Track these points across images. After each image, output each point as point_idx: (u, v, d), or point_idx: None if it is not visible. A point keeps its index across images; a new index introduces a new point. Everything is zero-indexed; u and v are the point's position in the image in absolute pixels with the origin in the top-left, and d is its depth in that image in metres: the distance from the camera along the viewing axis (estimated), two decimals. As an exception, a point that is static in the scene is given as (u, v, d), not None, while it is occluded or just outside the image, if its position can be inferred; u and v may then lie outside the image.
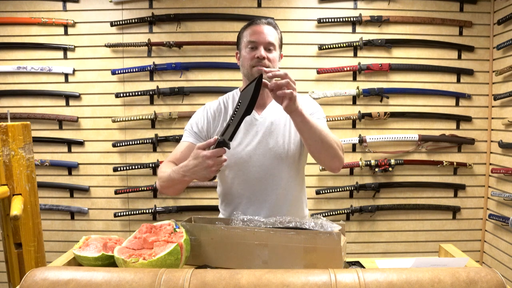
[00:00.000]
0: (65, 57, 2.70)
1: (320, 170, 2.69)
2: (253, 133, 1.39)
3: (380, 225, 2.78)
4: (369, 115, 2.69)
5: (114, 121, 2.66)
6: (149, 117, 2.66)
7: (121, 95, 2.66)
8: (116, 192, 2.70)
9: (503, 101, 2.60)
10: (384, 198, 2.77)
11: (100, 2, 2.67)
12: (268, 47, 1.33)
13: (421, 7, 2.68)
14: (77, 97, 2.71)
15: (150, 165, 2.69)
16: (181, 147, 1.39)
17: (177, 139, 2.65)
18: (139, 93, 2.66)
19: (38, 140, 2.68)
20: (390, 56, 2.70)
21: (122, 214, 2.71)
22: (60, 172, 2.76)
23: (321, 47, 2.66)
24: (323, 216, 1.40)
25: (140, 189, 2.71)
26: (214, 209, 2.68)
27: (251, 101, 1.11)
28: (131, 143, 2.69)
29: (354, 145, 2.74)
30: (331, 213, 2.70)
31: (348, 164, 2.69)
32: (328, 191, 2.70)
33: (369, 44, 2.66)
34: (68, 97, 2.71)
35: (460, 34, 2.70)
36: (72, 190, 2.77)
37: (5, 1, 2.67)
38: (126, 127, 2.73)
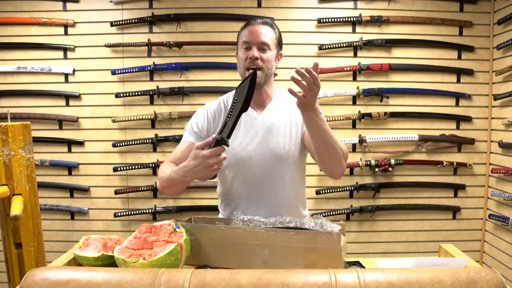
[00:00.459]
0: (65, 57, 2.70)
1: (320, 170, 2.69)
2: (253, 133, 1.39)
3: (380, 225, 2.78)
4: (369, 115, 2.69)
5: (114, 121, 2.66)
6: (149, 117, 2.66)
7: (121, 95, 2.66)
8: (116, 192, 2.70)
9: (503, 101, 2.60)
10: (384, 198, 2.77)
11: (100, 2, 2.67)
12: (262, 47, 1.32)
13: (421, 7, 2.68)
14: (77, 97, 2.71)
15: (150, 165, 2.68)
16: (181, 147, 1.39)
17: (177, 139, 2.65)
18: (139, 93, 2.66)
19: (38, 140, 2.68)
20: (390, 56, 2.70)
21: (122, 214, 2.71)
22: (60, 172, 2.76)
23: (321, 47, 2.66)
24: (323, 216, 1.41)
25: (140, 189, 2.71)
26: (214, 209, 2.68)
27: (246, 97, 1.11)
28: (131, 143, 2.69)
29: (354, 145, 2.74)
30: (331, 213, 2.70)
31: (348, 164, 2.69)
32: (328, 191, 2.70)
33: (369, 44, 2.66)
34: (68, 97, 2.71)
35: (460, 34, 2.70)
36: (72, 190, 2.77)
37: (5, 1, 2.67)
38: (126, 127, 2.73)
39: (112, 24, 2.64)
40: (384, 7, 2.68)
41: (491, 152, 2.73)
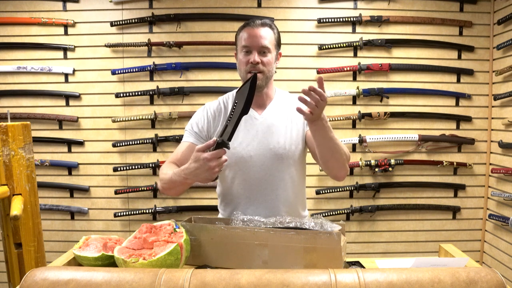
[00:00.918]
0: (65, 57, 2.70)
1: (320, 170, 2.69)
2: (253, 133, 1.39)
3: (380, 225, 2.78)
4: (369, 115, 2.69)
5: (114, 121, 2.66)
6: (149, 117, 2.66)
7: (121, 95, 2.66)
8: (116, 192, 2.70)
9: (503, 101, 2.60)
10: (384, 198, 2.77)
11: (100, 2, 2.67)
12: (262, 50, 1.33)
13: (421, 7, 2.68)
14: (77, 97, 2.71)
15: (150, 165, 2.68)
16: (182, 148, 1.39)
17: (177, 139, 2.65)
18: (139, 93, 2.66)
19: (38, 140, 2.68)
20: (390, 56, 2.70)
21: (122, 214, 2.71)
22: (60, 172, 2.76)
23: (321, 47, 2.66)
24: (323, 216, 1.41)
25: (140, 189, 2.71)
26: (214, 209, 2.67)
27: (247, 100, 1.11)
28: (131, 143, 2.69)
29: (354, 145, 2.74)
30: (331, 213, 2.70)
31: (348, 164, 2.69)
32: (328, 191, 2.70)
33: (369, 44, 2.66)
34: (68, 97, 2.71)
35: (460, 34, 2.70)
36: (72, 190, 2.76)
37: (5, 1, 2.67)
38: (126, 127, 2.73)
39: (112, 24, 2.64)
40: (384, 7, 2.68)
41: (491, 152, 2.73)
